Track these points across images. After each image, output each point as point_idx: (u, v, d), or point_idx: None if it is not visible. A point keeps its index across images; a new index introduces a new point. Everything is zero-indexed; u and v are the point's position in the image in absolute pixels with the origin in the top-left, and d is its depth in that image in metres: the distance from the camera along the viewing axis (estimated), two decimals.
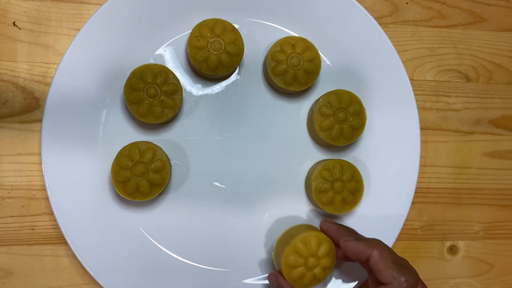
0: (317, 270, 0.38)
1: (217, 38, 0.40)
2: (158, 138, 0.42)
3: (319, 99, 0.42)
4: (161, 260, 0.42)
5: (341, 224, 0.40)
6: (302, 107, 0.44)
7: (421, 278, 0.47)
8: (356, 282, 0.42)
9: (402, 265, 0.33)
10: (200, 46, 0.40)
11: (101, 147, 0.41)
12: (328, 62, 0.44)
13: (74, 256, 0.42)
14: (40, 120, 0.42)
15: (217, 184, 0.43)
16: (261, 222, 0.43)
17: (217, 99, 0.43)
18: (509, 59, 0.49)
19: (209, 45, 0.40)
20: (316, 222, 0.42)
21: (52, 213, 0.41)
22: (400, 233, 0.44)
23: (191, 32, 0.40)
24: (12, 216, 0.42)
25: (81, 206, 0.40)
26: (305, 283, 0.38)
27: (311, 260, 0.37)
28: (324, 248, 0.38)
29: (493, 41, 0.49)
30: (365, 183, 0.43)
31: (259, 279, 0.42)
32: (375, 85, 0.44)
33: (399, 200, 0.44)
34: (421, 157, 0.46)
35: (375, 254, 0.34)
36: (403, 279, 0.32)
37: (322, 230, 0.39)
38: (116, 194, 0.41)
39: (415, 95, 0.44)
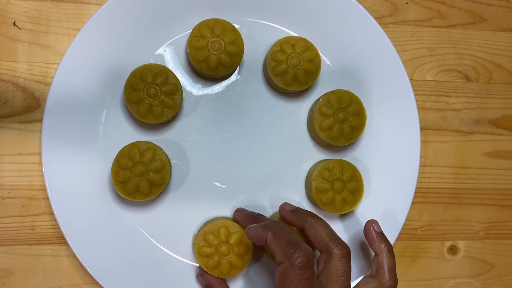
0: (231, 258, 0.39)
1: (217, 38, 0.40)
2: (158, 138, 0.42)
3: (319, 99, 0.42)
4: (161, 260, 0.42)
5: (250, 212, 0.40)
6: (302, 107, 0.44)
7: (421, 278, 0.47)
8: (356, 282, 0.42)
9: (295, 243, 0.32)
10: (200, 46, 0.40)
11: (101, 147, 0.41)
12: (328, 62, 0.44)
13: (74, 256, 0.42)
14: (40, 120, 0.42)
15: (217, 184, 0.43)
16: None
17: (217, 99, 0.43)
18: (509, 59, 0.49)
19: (209, 45, 0.40)
20: None
21: (52, 213, 0.41)
22: (400, 233, 0.44)
23: (191, 32, 0.40)
24: (12, 216, 0.42)
25: (81, 206, 0.40)
26: (223, 271, 0.39)
27: (224, 248, 0.39)
28: (236, 236, 0.39)
29: (493, 41, 0.49)
30: (365, 183, 0.43)
31: (259, 279, 0.42)
32: (375, 85, 0.44)
33: (399, 200, 0.44)
34: (421, 157, 0.46)
35: (269, 236, 0.33)
36: (295, 255, 0.31)
37: (234, 220, 0.41)
38: (116, 194, 0.41)
39: (415, 95, 0.44)
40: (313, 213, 0.37)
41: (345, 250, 0.34)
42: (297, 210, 0.38)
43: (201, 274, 0.40)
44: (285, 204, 0.40)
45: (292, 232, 0.34)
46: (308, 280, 0.31)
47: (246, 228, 0.36)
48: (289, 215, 0.38)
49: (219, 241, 0.39)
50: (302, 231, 0.38)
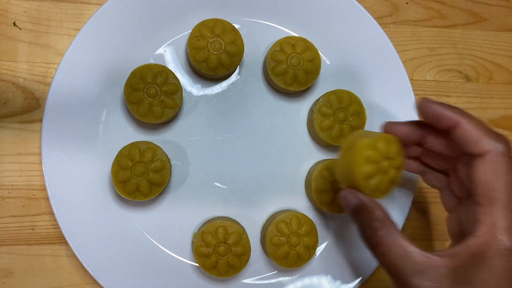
0: (229, 258, 0.39)
1: (217, 38, 0.40)
2: (158, 138, 0.42)
3: (319, 99, 0.42)
4: (161, 260, 0.42)
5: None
6: (302, 107, 0.44)
7: None
8: (356, 282, 0.42)
9: (494, 131, 0.28)
10: (200, 46, 0.40)
11: (101, 147, 0.41)
12: (328, 62, 0.44)
13: (74, 256, 0.42)
14: (40, 120, 0.42)
15: (217, 184, 0.43)
16: (261, 222, 0.43)
17: (217, 99, 0.43)
18: (509, 59, 0.49)
19: (209, 45, 0.40)
20: (316, 222, 0.42)
21: (52, 213, 0.41)
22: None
23: (191, 32, 0.40)
24: (12, 216, 0.42)
25: (81, 206, 0.40)
26: (221, 271, 0.39)
27: (221, 248, 0.39)
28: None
29: (493, 41, 0.49)
30: None
31: (259, 279, 0.42)
32: (375, 85, 0.44)
33: (399, 200, 0.44)
34: None
35: (466, 121, 0.29)
36: (500, 146, 0.27)
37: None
38: (116, 194, 0.41)
39: (415, 95, 0.44)
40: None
41: None
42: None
43: (351, 194, 0.33)
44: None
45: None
46: None
47: (422, 102, 0.31)
48: (441, 108, 0.30)
49: (217, 241, 0.39)
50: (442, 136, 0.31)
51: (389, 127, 0.34)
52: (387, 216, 0.31)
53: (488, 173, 0.27)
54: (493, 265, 0.26)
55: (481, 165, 0.28)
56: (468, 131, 0.29)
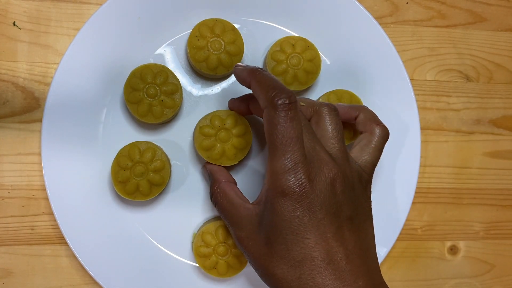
0: (229, 258, 0.39)
1: (217, 38, 0.40)
2: (158, 138, 0.42)
3: (319, 98, 0.42)
4: (161, 260, 0.42)
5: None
6: None
7: (422, 278, 0.47)
8: None
9: (277, 87, 0.31)
10: (200, 46, 0.40)
11: (101, 147, 0.41)
12: (328, 62, 0.44)
13: (74, 256, 0.42)
14: (40, 120, 0.42)
15: None
16: None
17: (217, 99, 0.43)
18: (510, 59, 0.49)
19: (209, 45, 0.40)
20: None
21: (52, 213, 0.41)
22: (400, 233, 0.44)
23: (191, 32, 0.40)
24: (12, 216, 0.42)
25: (81, 206, 0.40)
26: (221, 272, 0.39)
27: (221, 248, 0.39)
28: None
29: (494, 41, 0.49)
30: None
31: (259, 279, 0.42)
32: (375, 85, 0.44)
33: (399, 200, 0.44)
34: (421, 157, 0.46)
35: (253, 82, 0.32)
36: (277, 97, 0.30)
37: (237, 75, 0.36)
38: (116, 194, 0.41)
39: (415, 95, 0.44)
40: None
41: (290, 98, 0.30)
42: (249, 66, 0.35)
43: (205, 165, 0.40)
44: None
45: (277, 79, 0.32)
46: (295, 120, 0.30)
47: (234, 66, 0.35)
48: (240, 70, 0.35)
49: (217, 242, 0.39)
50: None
51: (228, 105, 0.39)
52: (224, 179, 0.37)
53: (266, 126, 0.31)
54: (274, 208, 0.30)
55: (264, 120, 0.31)
56: (255, 90, 0.32)
